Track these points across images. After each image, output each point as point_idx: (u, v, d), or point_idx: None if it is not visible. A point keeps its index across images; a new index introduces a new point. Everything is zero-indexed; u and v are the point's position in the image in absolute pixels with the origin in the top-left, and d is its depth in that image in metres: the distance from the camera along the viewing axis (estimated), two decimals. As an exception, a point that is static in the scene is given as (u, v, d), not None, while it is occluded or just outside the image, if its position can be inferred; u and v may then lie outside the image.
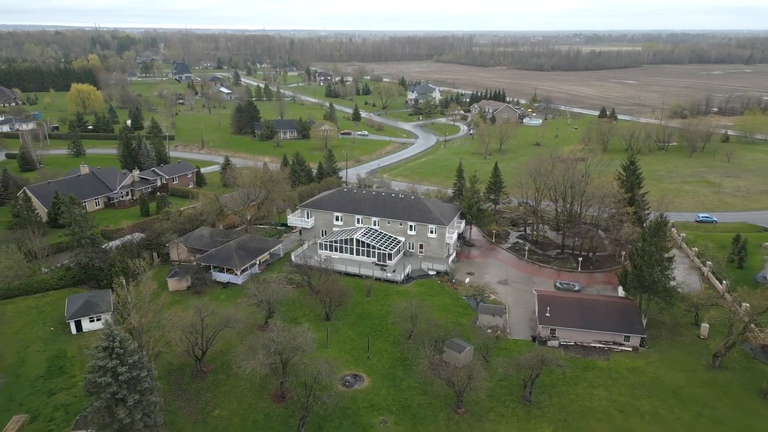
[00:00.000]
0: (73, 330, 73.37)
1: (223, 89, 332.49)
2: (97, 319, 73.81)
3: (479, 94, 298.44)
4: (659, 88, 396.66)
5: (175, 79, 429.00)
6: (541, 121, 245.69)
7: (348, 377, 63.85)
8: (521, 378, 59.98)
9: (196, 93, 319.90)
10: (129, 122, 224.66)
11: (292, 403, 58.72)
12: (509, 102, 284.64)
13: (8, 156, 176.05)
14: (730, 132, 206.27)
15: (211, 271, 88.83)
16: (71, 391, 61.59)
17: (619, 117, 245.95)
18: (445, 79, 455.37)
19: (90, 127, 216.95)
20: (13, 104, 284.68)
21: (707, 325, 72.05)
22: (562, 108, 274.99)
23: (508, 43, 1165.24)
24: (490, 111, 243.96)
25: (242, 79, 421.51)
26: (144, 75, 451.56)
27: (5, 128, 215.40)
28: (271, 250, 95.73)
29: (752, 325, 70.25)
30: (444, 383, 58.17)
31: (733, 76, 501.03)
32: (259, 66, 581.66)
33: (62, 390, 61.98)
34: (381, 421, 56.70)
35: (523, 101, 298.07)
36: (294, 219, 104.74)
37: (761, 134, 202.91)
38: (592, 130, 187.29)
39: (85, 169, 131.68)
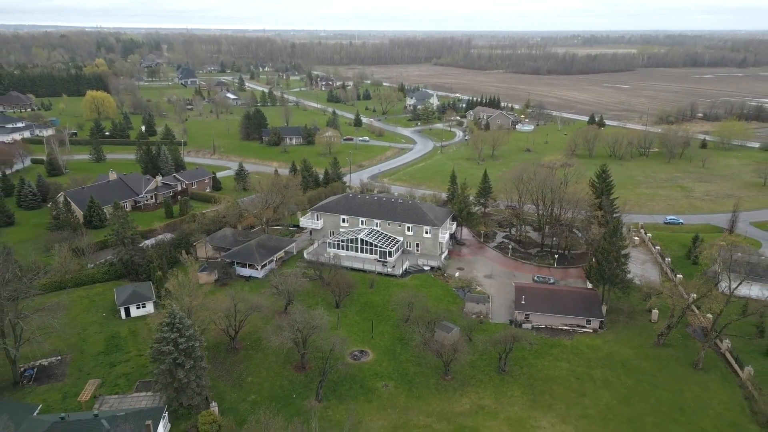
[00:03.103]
0: (123, 315, 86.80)
1: (229, 95, 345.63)
2: (143, 306, 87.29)
3: (475, 99, 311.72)
4: (650, 93, 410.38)
5: (181, 83, 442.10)
6: (533, 126, 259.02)
7: (356, 352, 77.28)
8: (497, 352, 73.45)
9: (204, 98, 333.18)
10: (143, 128, 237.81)
11: (310, 372, 72.17)
12: (503, 108, 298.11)
13: (33, 161, 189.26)
14: (708, 138, 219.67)
15: (235, 266, 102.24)
16: (128, 364, 74.99)
17: (608, 123, 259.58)
18: (443, 83, 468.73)
19: (107, 133, 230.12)
20: (29, 110, 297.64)
21: (657, 311, 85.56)
22: (554, 114, 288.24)
23: (506, 45, 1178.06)
24: (485, 117, 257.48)
25: (246, 84, 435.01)
26: (150, 79, 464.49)
27: (26, 134, 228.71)
28: (286, 248, 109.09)
29: (695, 310, 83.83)
30: (434, 356, 71.65)
31: (724, 80, 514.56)
32: (261, 70, 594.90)
33: (121, 363, 75.34)
34: (383, 386, 70.18)
35: (516, 107, 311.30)
36: (305, 221, 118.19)
37: (738, 140, 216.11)
38: (578, 137, 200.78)
39: (113, 176, 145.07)
